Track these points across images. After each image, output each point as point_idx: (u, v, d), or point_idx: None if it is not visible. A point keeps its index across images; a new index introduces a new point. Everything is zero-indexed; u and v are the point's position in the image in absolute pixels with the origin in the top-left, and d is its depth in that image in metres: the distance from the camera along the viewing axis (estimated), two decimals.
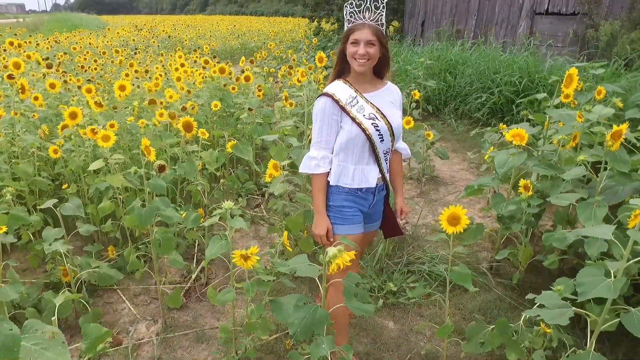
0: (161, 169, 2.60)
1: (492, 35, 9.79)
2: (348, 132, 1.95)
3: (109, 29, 17.44)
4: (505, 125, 4.03)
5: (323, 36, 13.59)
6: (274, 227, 3.14)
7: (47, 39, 13.56)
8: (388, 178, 2.15)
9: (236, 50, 16.15)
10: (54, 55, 9.93)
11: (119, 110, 3.86)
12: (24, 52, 7.77)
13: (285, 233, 2.03)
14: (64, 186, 3.30)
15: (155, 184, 2.19)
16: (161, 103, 4.31)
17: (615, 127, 2.31)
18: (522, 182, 2.63)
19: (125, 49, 12.26)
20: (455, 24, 11.31)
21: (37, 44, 11.00)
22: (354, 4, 1.94)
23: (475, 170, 5.22)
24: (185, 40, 14.97)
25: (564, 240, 2.27)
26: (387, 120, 2.00)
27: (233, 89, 4.97)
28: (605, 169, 2.47)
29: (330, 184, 2.04)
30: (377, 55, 1.93)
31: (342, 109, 1.95)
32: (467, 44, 8.56)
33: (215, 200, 3.76)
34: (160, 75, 5.40)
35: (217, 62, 9.74)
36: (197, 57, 8.35)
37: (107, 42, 13.82)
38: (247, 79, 4.71)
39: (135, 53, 10.82)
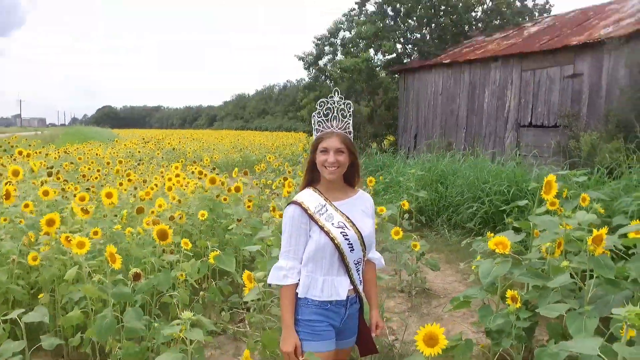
0: (136, 277, 2.53)
1: (481, 147, 10.22)
2: (316, 241, 1.90)
3: (116, 141, 18.33)
4: (493, 234, 4.00)
5: None
6: (250, 342, 2.95)
7: (58, 150, 14.18)
8: (361, 290, 2.03)
9: (237, 162, 16.76)
10: (61, 165, 10.32)
11: (107, 218, 3.88)
12: (32, 161, 8.12)
13: (247, 352, 1.88)
14: (40, 295, 3.18)
15: (118, 292, 2.11)
16: (152, 212, 4.36)
17: (595, 232, 2.27)
18: (509, 292, 2.52)
19: (129, 160, 12.77)
20: (446, 137, 11.89)
21: (47, 154, 11.48)
22: (321, 113, 2.01)
23: (470, 282, 5.07)
24: (189, 153, 15.63)
25: (557, 356, 2.10)
26: (357, 228, 1.95)
27: (224, 199, 5.06)
28: (592, 276, 2.39)
29: (299, 296, 1.92)
30: (346, 162, 1.95)
31: (311, 217, 1.91)
32: (458, 155, 8.89)
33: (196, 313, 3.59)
34: (156, 186, 5.54)
35: (217, 174, 10.07)
36: (194, 168, 8.63)
37: (114, 153, 14.43)
38: (237, 189, 4.81)
39: (138, 164, 11.22)
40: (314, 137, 2.03)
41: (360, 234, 1.96)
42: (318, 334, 1.90)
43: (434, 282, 5.02)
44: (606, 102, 8.18)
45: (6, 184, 3.93)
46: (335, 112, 2.01)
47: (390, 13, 13.76)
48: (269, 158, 13.70)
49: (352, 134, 2.04)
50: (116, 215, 4.19)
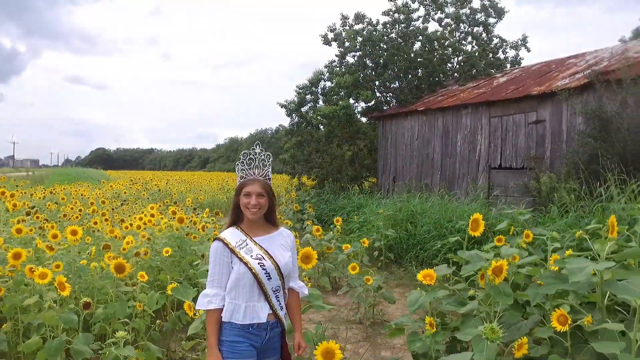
0: (86, 306, 2.77)
1: (455, 188, 10.62)
2: (237, 271, 2.19)
3: (103, 182, 18.57)
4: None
5: (304, 191, 14.56)
6: None
7: (45, 190, 14.39)
8: (282, 315, 2.27)
9: (223, 203, 17.04)
10: (45, 204, 10.53)
11: (71, 253, 4.11)
12: (7, 202, 8.37)
13: None
14: (3, 325, 3.38)
15: (67, 318, 2.34)
16: (123, 249, 4.61)
17: (494, 263, 2.57)
18: (427, 319, 2.77)
19: (114, 200, 12.98)
20: (423, 179, 12.31)
21: (32, 194, 11.70)
22: (244, 162, 2.37)
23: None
24: (174, 194, 15.87)
25: None
26: (275, 260, 2.23)
27: (194, 237, 5.33)
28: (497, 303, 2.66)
29: (223, 320, 2.18)
30: (266, 205, 2.28)
31: (232, 251, 2.21)
32: (427, 195, 9.25)
33: (154, 342, 3.77)
34: (130, 225, 5.79)
35: (197, 214, 10.30)
36: (173, 209, 8.89)
37: (100, 194, 14.66)
38: (203, 228, 5.09)
39: (122, 204, 11.45)
40: (237, 182, 2.36)
41: (277, 265, 2.24)
42: (239, 352, 2.16)
43: (393, 315, 5.22)
44: (567, 145, 8.67)
45: None
46: (257, 161, 2.36)
47: (370, 64, 14.49)
48: None
49: (271, 180, 2.38)
50: (79, 253, 4.41)
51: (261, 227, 2.34)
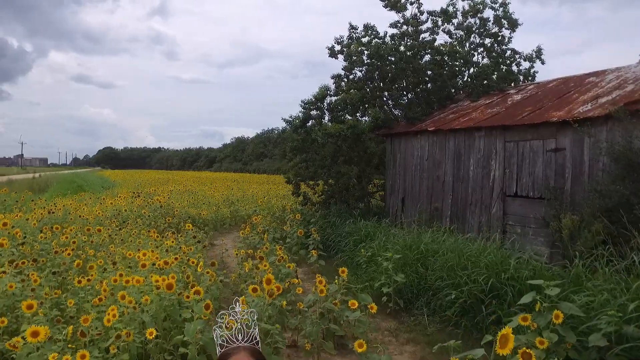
0: None
1: (467, 214, 10.08)
2: None
3: (103, 198, 18.26)
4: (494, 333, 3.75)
5: (308, 208, 14.07)
6: None
7: (44, 208, 14.05)
8: None
9: (226, 218, 16.62)
10: (40, 230, 10.16)
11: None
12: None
13: None
14: None
15: None
16: (108, 321, 4.18)
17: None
18: None
19: (113, 221, 12.61)
20: (433, 202, 11.77)
21: (27, 219, 11.34)
22: (223, 327, 1.86)
23: None
24: (177, 209, 15.48)
25: None
26: None
27: (187, 297, 4.87)
28: None
29: None
30: None
31: None
32: (442, 230, 8.72)
33: None
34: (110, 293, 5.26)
35: (198, 242, 9.88)
36: (169, 242, 8.46)
37: (100, 212, 14.30)
38: (197, 292, 4.62)
39: (121, 229, 11.06)
40: (217, 353, 1.84)
41: None
42: None
43: None
44: (589, 179, 8.08)
45: None
46: (239, 324, 1.84)
47: (377, 78, 13.97)
48: (255, 219, 13.54)
49: (259, 343, 1.87)
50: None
51: None
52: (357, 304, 5.50)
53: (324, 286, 5.72)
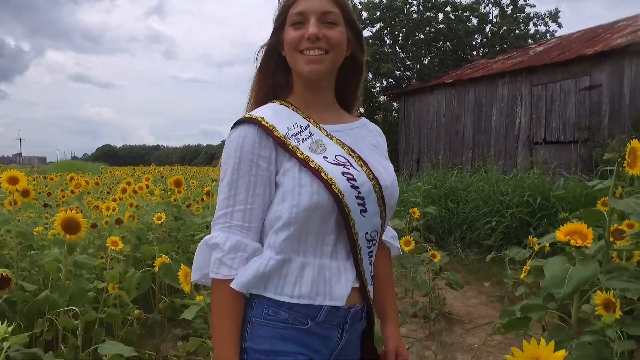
0: (3, 282, 1.64)
1: (490, 166, 9.44)
2: (295, 192, 0.94)
3: (102, 168, 17.65)
4: (535, 239, 3.08)
5: None
6: None
7: (41, 176, 13.43)
8: (372, 295, 1.05)
9: None
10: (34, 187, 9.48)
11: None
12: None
13: None
14: None
15: None
16: (105, 223, 3.55)
17: None
18: (599, 296, 1.58)
19: (112, 186, 11.94)
20: (451, 159, 11.12)
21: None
22: None
23: (498, 304, 4.13)
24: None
25: None
26: (372, 171, 1.00)
27: (197, 209, 4.24)
28: None
29: (256, 293, 0.95)
30: (342, 42, 1.02)
31: (282, 145, 0.96)
32: (466, 172, 8.08)
33: (131, 343, 2.63)
34: (120, 199, 4.70)
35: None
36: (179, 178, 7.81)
37: (99, 180, 13.62)
38: (208, 194, 3.98)
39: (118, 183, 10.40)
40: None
41: (378, 183, 1.00)
42: None
43: (453, 305, 4.09)
44: (630, 111, 7.46)
45: None
46: None
47: (390, 36, 13.33)
48: None
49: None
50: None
51: (328, 106, 1.09)
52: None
53: None
